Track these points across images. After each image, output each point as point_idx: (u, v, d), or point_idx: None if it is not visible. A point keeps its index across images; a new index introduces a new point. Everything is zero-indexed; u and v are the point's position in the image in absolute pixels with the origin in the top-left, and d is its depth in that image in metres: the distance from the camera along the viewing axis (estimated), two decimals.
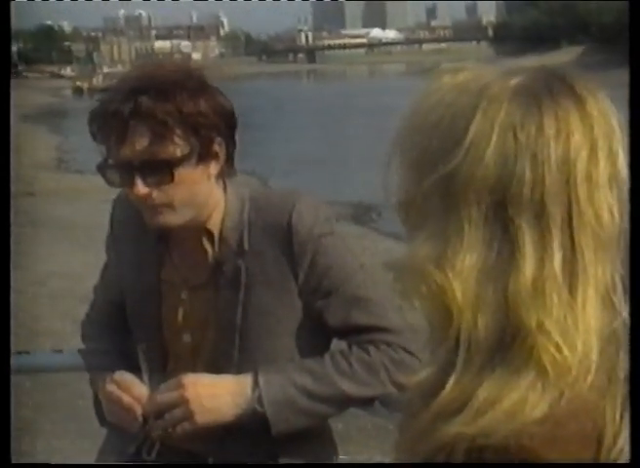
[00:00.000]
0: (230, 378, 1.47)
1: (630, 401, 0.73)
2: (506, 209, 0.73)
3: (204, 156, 1.44)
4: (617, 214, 0.74)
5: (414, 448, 0.77)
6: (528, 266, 0.72)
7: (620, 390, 0.75)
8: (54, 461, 3.84)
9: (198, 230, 1.51)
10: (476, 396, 0.72)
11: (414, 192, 0.77)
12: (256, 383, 1.44)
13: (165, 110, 1.39)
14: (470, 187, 0.73)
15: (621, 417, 0.75)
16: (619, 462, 0.74)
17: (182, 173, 1.43)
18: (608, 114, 0.76)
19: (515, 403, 0.71)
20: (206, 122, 1.43)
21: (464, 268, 0.73)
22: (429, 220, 0.76)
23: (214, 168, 1.47)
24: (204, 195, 1.48)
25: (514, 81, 0.75)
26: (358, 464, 1.64)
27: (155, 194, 1.42)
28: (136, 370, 1.51)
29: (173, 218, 1.45)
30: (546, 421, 0.71)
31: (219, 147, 1.46)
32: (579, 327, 0.73)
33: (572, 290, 0.73)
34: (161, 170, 1.41)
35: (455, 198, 0.74)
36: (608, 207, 0.74)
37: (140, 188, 1.41)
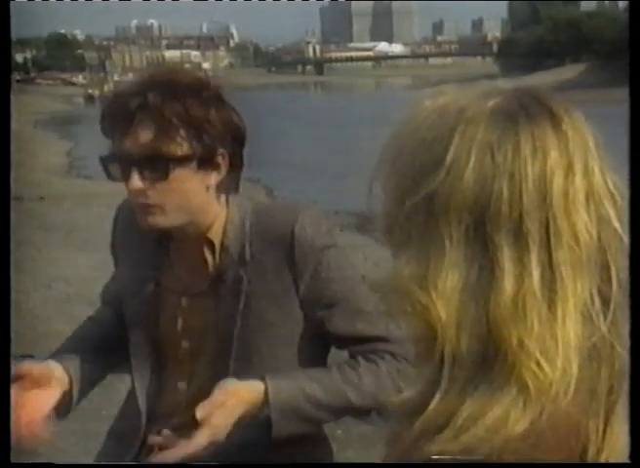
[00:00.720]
0: (245, 387, 1.44)
1: (630, 401, 0.74)
2: (486, 227, 0.74)
3: (205, 164, 1.44)
4: (593, 231, 0.75)
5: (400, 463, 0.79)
6: (507, 283, 0.73)
7: (603, 405, 0.76)
8: (56, 461, 3.93)
9: (199, 239, 1.51)
10: (459, 413, 0.73)
11: (397, 212, 0.78)
12: (265, 391, 1.44)
13: (172, 108, 1.40)
14: (450, 207, 0.75)
15: (604, 432, 0.76)
16: (619, 462, 0.75)
17: (179, 175, 1.42)
18: (583, 133, 0.77)
19: (497, 419, 0.72)
20: (212, 130, 1.43)
21: (447, 287, 0.74)
22: (412, 240, 0.77)
23: (214, 178, 1.46)
24: (199, 203, 1.47)
25: (491, 103, 0.77)
26: (358, 464, 1.68)
27: (149, 193, 1.42)
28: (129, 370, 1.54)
29: (162, 220, 1.45)
30: (528, 436, 0.72)
31: (221, 159, 1.45)
32: (558, 343, 0.74)
33: (551, 306, 0.74)
34: (158, 166, 1.41)
35: (436, 218, 0.75)
36: (584, 224, 0.74)
37: (135, 182, 1.41)
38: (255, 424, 1.45)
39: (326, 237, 1.51)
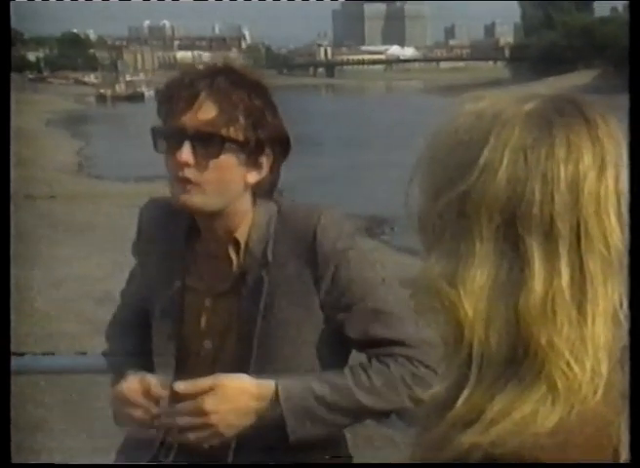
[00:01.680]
0: (253, 382, 1.47)
1: (630, 401, 0.74)
2: (517, 227, 0.75)
3: (250, 160, 1.48)
4: (623, 236, 0.76)
5: (428, 459, 0.80)
6: (537, 283, 0.74)
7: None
8: (66, 460, 3.85)
9: (226, 239, 1.54)
10: (489, 408, 0.75)
11: (431, 211, 0.80)
12: (276, 390, 1.46)
13: (239, 95, 1.45)
14: (482, 206, 0.76)
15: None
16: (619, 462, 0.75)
17: (228, 159, 1.46)
18: (618, 139, 0.78)
19: (526, 415, 0.74)
20: (267, 126, 1.48)
21: (476, 285, 0.76)
22: (444, 239, 0.79)
23: (253, 177, 1.50)
24: (234, 195, 1.50)
25: (527, 106, 0.79)
26: (358, 464, 1.68)
27: (193, 169, 1.45)
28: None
29: (199, 200, 1.47)
30: (557, 433, 0.73)
31: (265, 160, 1.50)
32: (587, 344, 0.75)
33: (580, 308, 0.75)
34: (212, 143, 1.44)
35: (468, 217, 0.77)
36: (615, 228, 0.76)
37: (186, 154, 1.44)
38: (273, 431, 1.46)
39: (347, 239, 1.52)
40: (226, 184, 1.48)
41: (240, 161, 1.48)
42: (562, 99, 0.80)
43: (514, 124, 0.77)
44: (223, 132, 1.45)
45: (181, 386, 1.45)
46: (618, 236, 0.76)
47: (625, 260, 0.76)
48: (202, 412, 1.44)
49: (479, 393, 0.76)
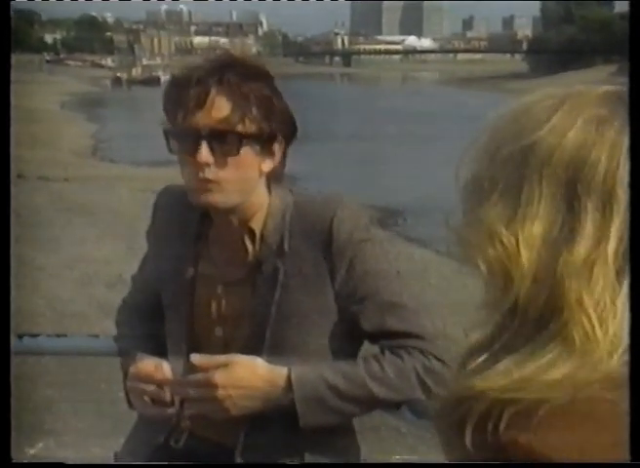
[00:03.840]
0: (266, 366, 1.48)
1: (630, 400, 0.73)
2: (576, 189, 0.76)
3: (265, 149, 1.48)
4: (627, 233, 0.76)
5: (443, 403, 0.81)
6: (583, 245, 0.75)
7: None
8: (73, 442, 3.91)
9: (241, 227, 1.54)
10: (506, 358, 0.76)
11: (489, 163, 0.81)
12: (289, 376, 1.46)
13: (249, 87, 1.44)
14: (546, 163, 0.77)
15: None
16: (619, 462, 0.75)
17: (245, 154, 1.46)
18: None
19: (540, 366, 0.75)
20: (278, 116, 1.48)
21: (532, 235, 0.76)
22: (501, 188, 0.79)
23: (267, 165, 1.50)
24: (252, 187, 1.51)
25: (605, 88, 0.81)
26: (358, 464, 1.68)
27: (213, 168, 1.45)
28: (166, 357, 1.55)
29: (219, 198, 1.47)
30: (565, 386, 0.74)
31: (278, 147, 1.50)
32: (617, 312, 0.75)
33: (619, 275, 0.76)
34: (230, 142, 1.44)
35: (530, 170, 0.78)
36: None
37: (204, 156, 1.43)
38: (283, 419, 1.47)
39: (363, 231, 1.51)
40: (245, 178, 1.49)
41: (256, 152, 1.47)
42: None
43: (592, 97, 0.80)
44: (239, 128, 1.44)
45: (197, 358, 1.47)
46: None
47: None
48: (211, 385, 1.46)
49: (504, 346, 0.78)
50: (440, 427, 0.83)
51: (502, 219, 0.78)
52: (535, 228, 0.77)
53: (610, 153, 0.76)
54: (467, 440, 0.76)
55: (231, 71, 1.45)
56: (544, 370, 0.75)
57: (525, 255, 0.77)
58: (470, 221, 0.81)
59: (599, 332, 0.75)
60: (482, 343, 0.81)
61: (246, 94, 1.44)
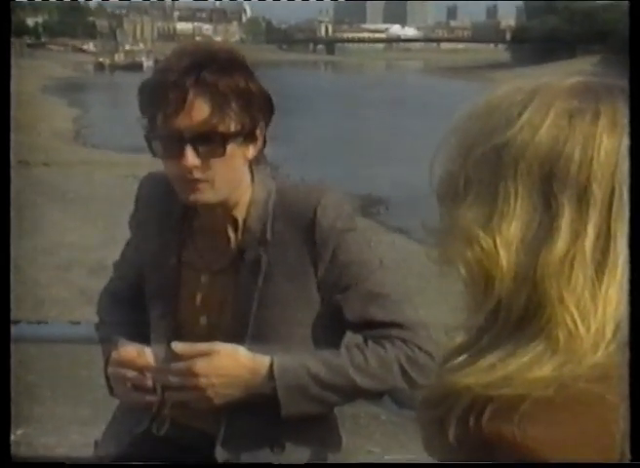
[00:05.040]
0: (248, 355, 1.48)
1: (630, 400, 0.74)
2: (552, 185, 0.76)
3: (247, 137, 1.47)
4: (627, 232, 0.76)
5: (425, 398, 0.82)
6: (561, 241, 0.75)
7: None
8: (54, 428, 3.91)
9: (224, 217, 1.53)
10: (489, 355, 0.76)
11: (463, 162, 0.80)
12: (271, 365, 1.47)
13: (227, 84, 1.42)
14: (520, 161, 0.76)
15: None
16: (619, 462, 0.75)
17: (231, 150, 1.45)
18: None
19: (523, 364, 0.75)
20: (256, 102, 1.46)
21: (510, 236, 0.76)
22: (476, 189, 0.79)
23: (251, 151, 1.49)
24: (239, 177, 1.51)
25: (574, 79, 0.80)
26: (358, 464, 1.68)
27: (201, 169, 1.44)
28: (148, 345, 1.54)
29: (210, 196, 1.47)
30: (550, 385, 0.74)
31: (259, 131, 1.49)
32: (598, 307, 0.75)
33: (599, 271, 0.76)
34: (215, 142, 1.43)
35: (504, 169, 0.77)
36: None
37: (191, 159, 1.42)
38: (265, 406, 1.47)
39: (347, 220, 1.51)
40: (233, 172, 1.49)
41: (239, 143, 1.46)
42: (610, 80, 0.81)
43: (562, 89, 0.79)
44: (222, 128, 1.43)
45: (179, 346, 1.47)
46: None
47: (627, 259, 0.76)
48: (192, 374, 1.46)
49: (488, 343, 0.78)
50: (423, 422, 0.83)
51: (479, 222, 0.78)
52: (512, 229, 0.76)
53: (583, 146, 0.76)
54: (451, 434, 0.76)
55: (206, 69, 1.42)
56: (529, 367, 0.75)
57: (504, 256, 0.76)
58: (447, 224, 0.81)
59: (582, 329, 0.75)
60: (465, 343, 0.81)
61: (224, 91, 1.42)
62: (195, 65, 1.42)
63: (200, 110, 1.41)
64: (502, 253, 0.77)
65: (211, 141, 1.43)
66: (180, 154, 1.42)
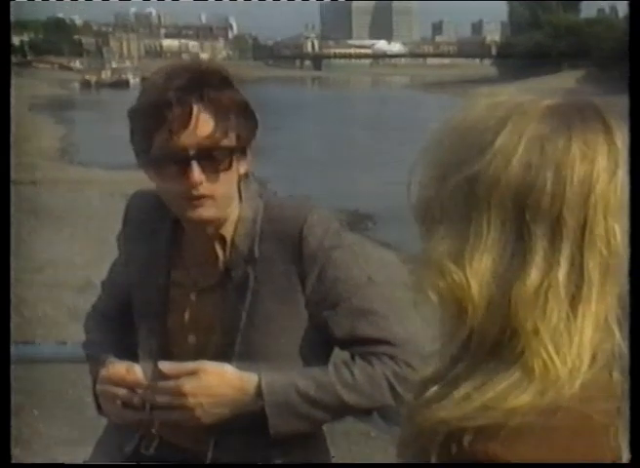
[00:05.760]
0: (236, 373, 1.48)
1: (630, 400, 0.74)
2: (524, 215, 0.76)
3: (242, 152, 1.48)
4: (624, 242, 0.77)
5: (403, 435, 0.82)
6: (534, 272, 0.75)
7: (623, 412, 0.76)
8: (43, 449, 3.86)
9: (212, 235, 1.53)
10: (463, 385, 0.76)
11: (437, 190, 0.80)
12: (259, 383, 1.46)
13: (229, 98, 1.44)
14: (493, 190, 0.76)
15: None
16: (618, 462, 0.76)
17: (234, 164, 1.46)
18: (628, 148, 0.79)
19: (498, 393, 0.75)
20: (250, 117, 1.48)
21: (481, 268, 0.76)
22: (449, 219, 0.79)
23: (243, 167, 1.50)
24: (234, 193, 1.51)
25: (548, 101, 0.80)
26: (358, 464, 1.67)
27: (204, 184, 1.43)
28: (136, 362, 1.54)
29: (212, 212, 1.47)
30: (528, 414, 0.74)
31: (248, 147, 1.50)
32: (573, 339, 0.75)
33: (573, 303, 0.76)
34: (221, 157, 1.43)
35: (477, 200, 0.77)
36: (619, 233, 0.76)
37: (197, 175, 1.41)
38: (253, 425, 1.46)
39: (334, 237, 1.51)
40: (231, 187, 1.49)
41: (236, 158, 1.47)
42: (581, 101, 0.81)
43: (534, 114, 0.78)
44: (225, 142, 1.44)
45: (166, 366, 1.47)
46: (620, 241, 0.76)
47: (625, 266, 0.77)
48: (180, 393, 1.45)
49: (461, 373, 0.77)
50: (404, 457, 0.82)
51: (450, 254, 0.77)
52: (484, 261, 0.76)
53: (555, 175, 0.76)
54: (434, 461, 0.75)
55: (209, 84, 1.43)
56: (505, 396, 0.75)
57: (475, 288, 0.76)
58: (420, 254, 0.81)
59: (557, 361, 0.75)
60: (437, 373, 0.81)
61: (226, 105, 1.43)
62: (195, 82, 1.42)
63: (204, 126, 1.42)
64: (474, 284, 0.76)
65: (217, 156, 1.43)
66: (184, 171, 1.42)
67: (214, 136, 1.42)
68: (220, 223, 1.52)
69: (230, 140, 1.44)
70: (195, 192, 1.44)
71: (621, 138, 0.78)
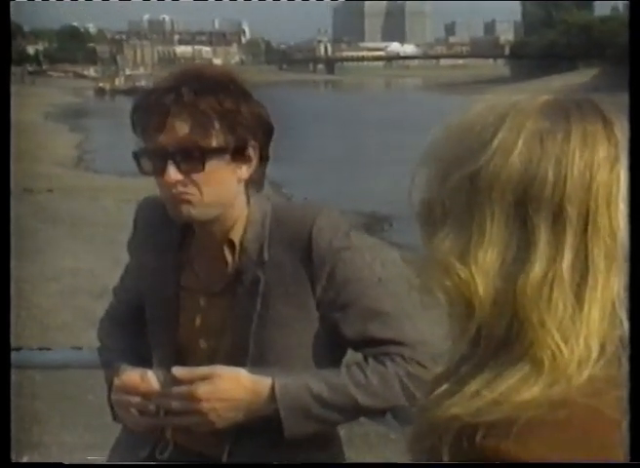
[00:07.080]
0: (249, 378, 1.48)
1: (630, 401, 0.74)
2: (527, 208, 0.76)
3: (237, 157, 1.48)
4: (626, 232, 0.76)
5: (415, 432, 0.82)
6: (539, 264, 0.75)
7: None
8: (62, 455, 3.85)
9: (221, 239, 1.53)
10: (474, 381, 0.76)
11: (439, 189, 0.80)
12: (272, 387, 1.46)
13: (207, 102, 1.44)
14: (495, 186, 0.77)
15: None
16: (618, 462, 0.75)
17: (214, 166, 1.46)
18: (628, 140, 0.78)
19: (509, 388, 0.75)
20: (244, 122, 1.47)
21: (486, 263, 0.76)
22: (452, 217, 0.79)
23: (245, 172, 1.50)
24: (231, 196, 1.51)
25: (544, 98, 0.81)
26: (358, 464, 1.67)
27: (186, 184, 1.46)
28: (150, 369, 1.53)
29: (200, 211, 1.48)
30: (539, 406, 0.73)
31: (252, 151, 1.49)
32: (580, 329, 0.75)
33: (579, 293, 0.76)
34: (194, 157, 1.45)
35: (479, 196, 0.77)
36: (623, 221, 0.76)
37: (172, 175, 1.44)
38: (268, 428, 1.47)
39: (343, 239, 1.51)
40: (221, 190, 1.49)
41: (227, 162, 1.47)
42: (580, 97, 0.81)
43: (532, 110, 0.79)
44: (202, 143, 1.45)
45: (179, 371, 1.47)
46: (624, 230, 0.76)
47: (626, 255, 0.76)
48: (194, 398, 1.45)
49: (471, 369, 0.78)
50: (415, 454, 0.82)
51: (455, 252, 0.78)
52: (488, 256, 0.77)
53: (556, 166, 0.76)
54: (445, 459, 0.75)
55: (187, 88, 1.44)
56: (516, 390, 0.75)
57: (481, 284, 0.77)
58: (425, 254, 0.81)
59: (565, 352, 0.75)
60: (447, 371, 0.81)
61: (204, 110, 1.44)
62: (177, 85, 1.45)
63: (180, 127, 1.44)
64: (480, 280, 0.77)
65: (190, 157, 1.45)
66: (164, 170, 1.45)
67: (189, 138, 1.44)
68: (228, 227, 1.53)
69: (209, 142, 1.45)
70: (175, 190, 1.46)
71: (621, 130, 0.79)
